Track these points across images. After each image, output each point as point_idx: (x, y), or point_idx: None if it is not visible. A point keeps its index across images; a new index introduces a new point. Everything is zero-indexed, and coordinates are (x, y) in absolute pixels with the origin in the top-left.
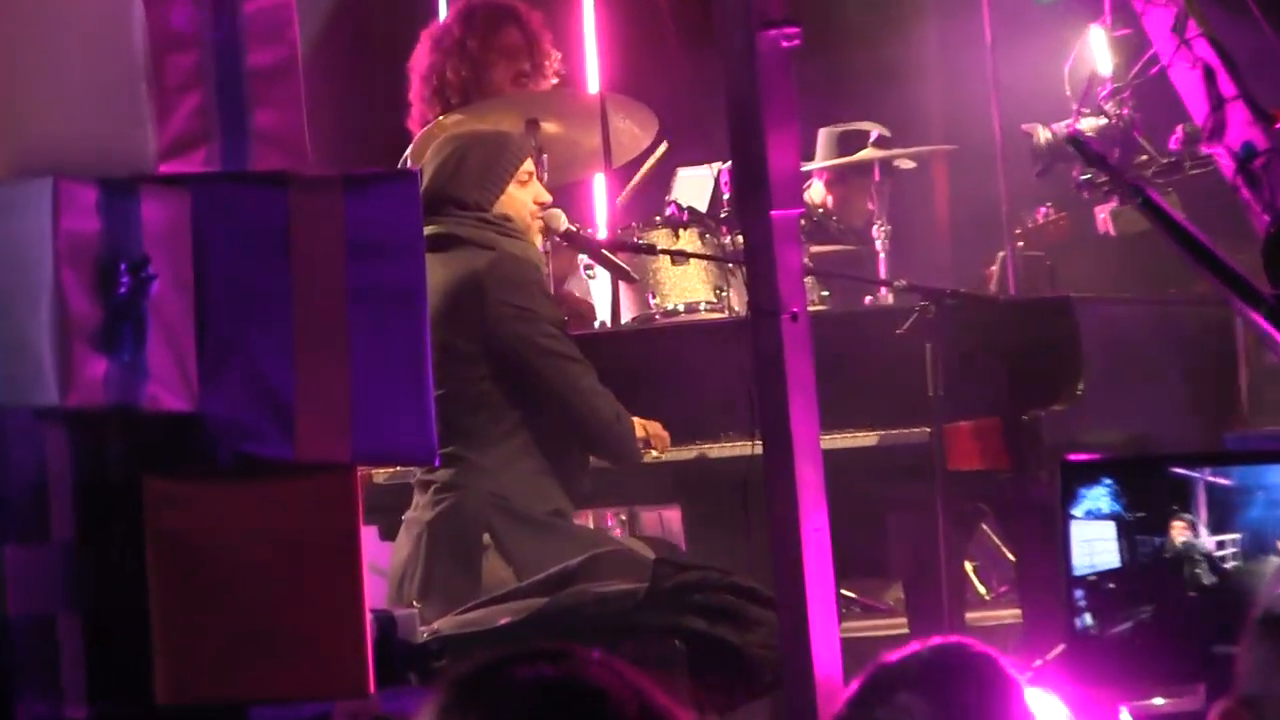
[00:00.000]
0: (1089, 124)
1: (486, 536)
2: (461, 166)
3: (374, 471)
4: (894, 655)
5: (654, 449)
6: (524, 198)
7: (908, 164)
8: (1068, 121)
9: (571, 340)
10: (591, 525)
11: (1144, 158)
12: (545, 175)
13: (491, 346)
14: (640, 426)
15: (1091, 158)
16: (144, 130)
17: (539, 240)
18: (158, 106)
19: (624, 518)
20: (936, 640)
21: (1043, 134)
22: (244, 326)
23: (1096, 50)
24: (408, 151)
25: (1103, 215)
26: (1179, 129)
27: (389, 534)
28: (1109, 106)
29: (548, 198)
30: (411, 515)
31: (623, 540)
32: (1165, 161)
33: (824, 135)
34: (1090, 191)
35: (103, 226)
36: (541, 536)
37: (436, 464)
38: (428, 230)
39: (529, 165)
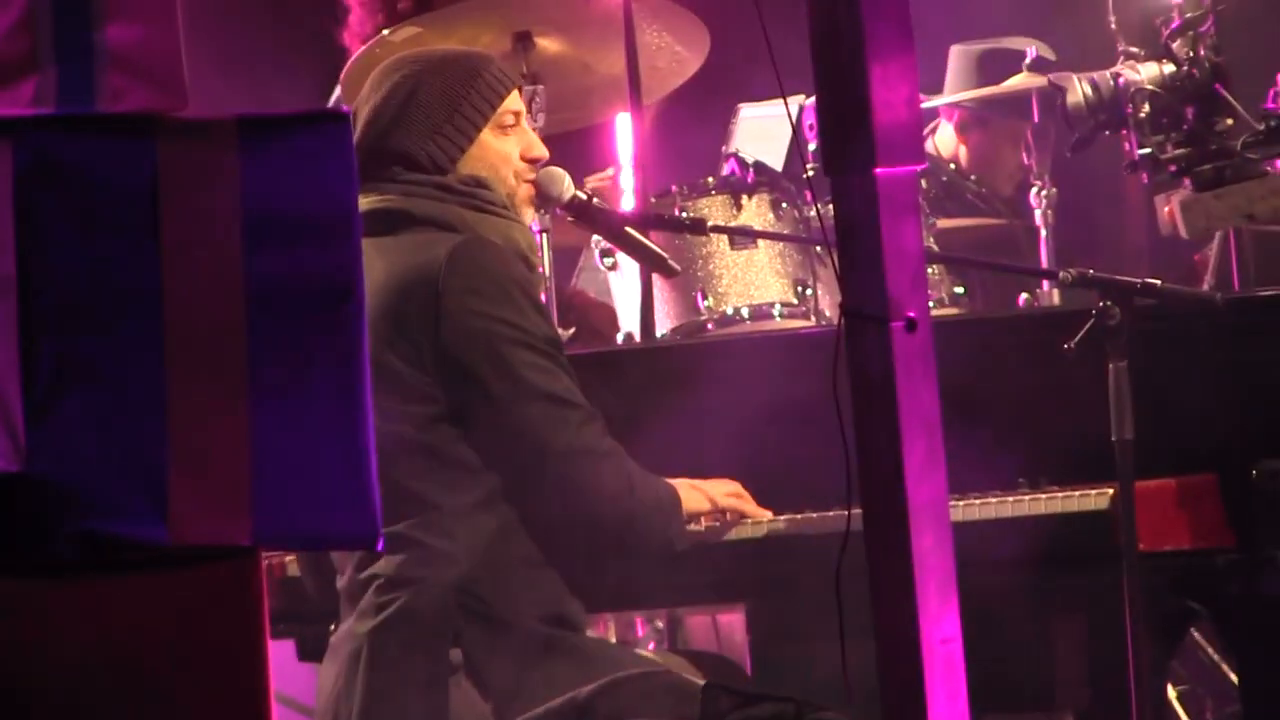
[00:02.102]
0: (1148, 73)
1: (456, 653)
2: (410, 105)
3: (288, 559)
4: None
5: (726, 520)
6: (506, 151)
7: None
8: (1115, 70)
9: (569, 370)
10: (613, 637)
11: (1230, 122)
12: (541, 117)
13: (449, 375)
14: (698, 494)
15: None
16: None
17: (529, 214)
18: None
19: (661, 625)
20: None
21: (1081, 88)
22: (91, 346)
23: None
24: (339, 82)
25: (1167, 208)
26: None
27: (312, 652)
28: (1178, 47)
29: (543, 152)
30: (344, 628)
31: (658, 658)
32: (1262, 127)
33: (957, 56)
34: (1150, 173)
35: None
36: (535, 656)
37: (379, 548)
38: (362, 203)
39: (514, 102)
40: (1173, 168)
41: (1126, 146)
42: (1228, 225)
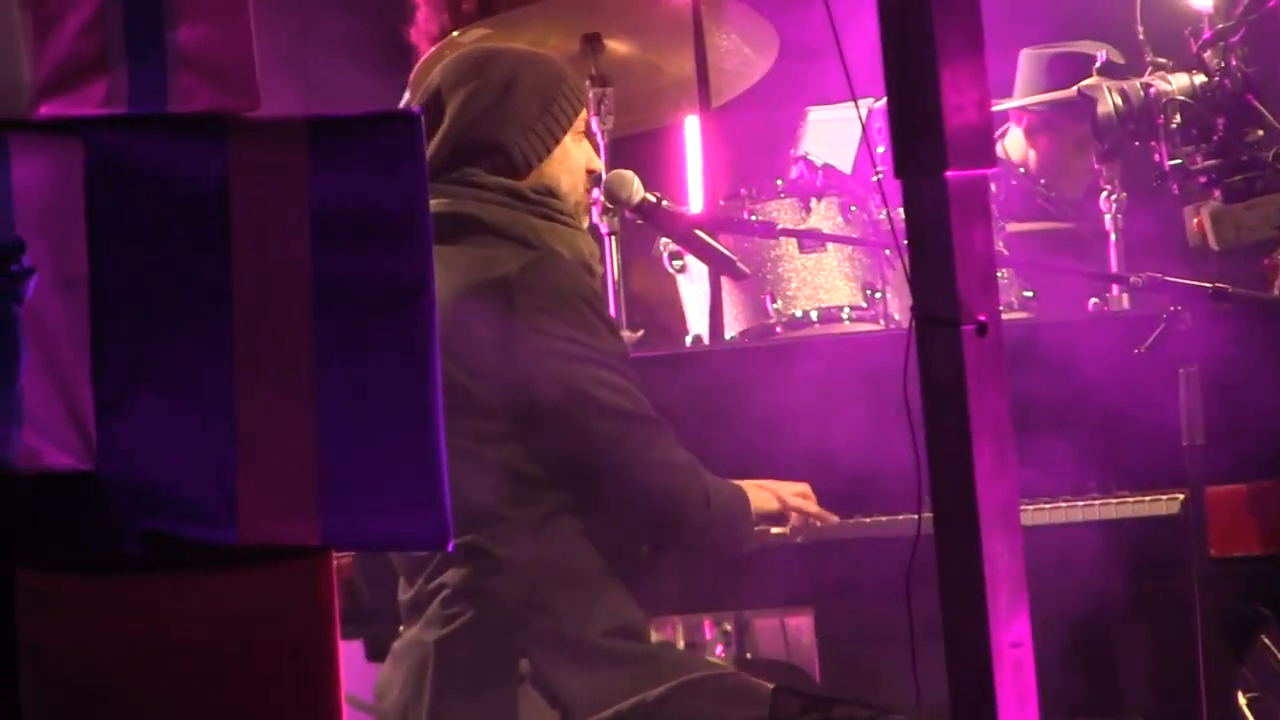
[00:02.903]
0: (1179, 84)
1: (524, 663)
2: (508, 97)
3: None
4: None
5: (795, 526)
6: (579, 158)
7: None
8: (1145, 80)
9: (637, 386)
10: (680, 640)
11: (1260, 133)
12: (610, 119)
13: (518, 393)
14: (767, 493)
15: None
16: (14, 53)
17: (586, 222)
18: (34, 17)
19: (729, 629)
20: None
21: (1110, 97)
22: (161, 345)
23: None
24: (409, 85)
25: (1196, 219)
26: None
27: (381, 653)
28: (1209, 57)
29: (600, 165)
30: (409, 636)
31: (726, 663)
32: None
33: (1027, 60)
34: (1180, 184)
35: None
36: (601, 665)
37: (450, 548)
38: (431, 205)
39: (585, 111)
40: (1203, 179)
41: (1156, 157)
42: (1258, 237)
